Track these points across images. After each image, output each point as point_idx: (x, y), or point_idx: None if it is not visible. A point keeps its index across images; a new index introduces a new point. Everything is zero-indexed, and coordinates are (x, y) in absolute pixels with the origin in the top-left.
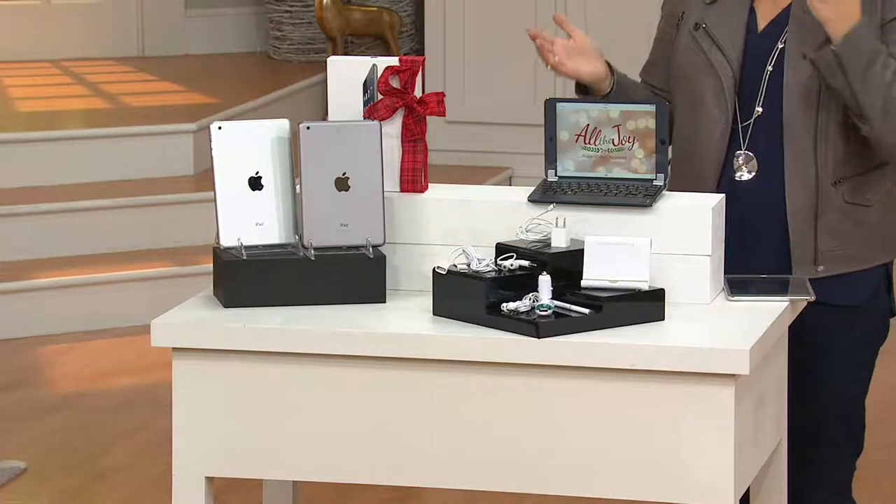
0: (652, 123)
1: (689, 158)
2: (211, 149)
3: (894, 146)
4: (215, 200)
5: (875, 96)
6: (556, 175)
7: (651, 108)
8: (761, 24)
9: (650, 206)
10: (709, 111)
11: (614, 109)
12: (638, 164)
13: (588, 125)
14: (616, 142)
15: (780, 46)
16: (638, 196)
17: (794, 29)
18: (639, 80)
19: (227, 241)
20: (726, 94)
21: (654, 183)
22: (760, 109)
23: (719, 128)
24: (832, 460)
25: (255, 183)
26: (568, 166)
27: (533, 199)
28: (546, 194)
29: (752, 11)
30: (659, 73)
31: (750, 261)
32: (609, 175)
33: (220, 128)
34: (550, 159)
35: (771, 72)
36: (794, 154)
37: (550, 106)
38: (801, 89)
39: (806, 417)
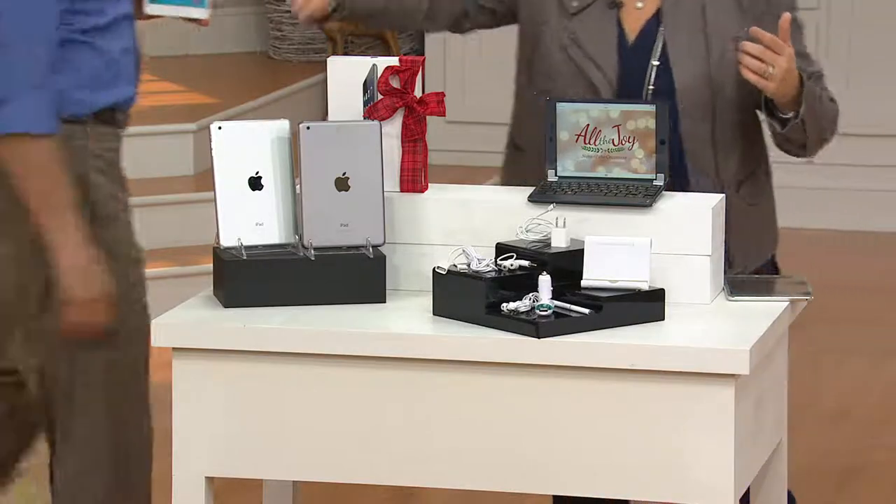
0: (652, 123)
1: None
2: (211, 149)
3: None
4: (215, 200)
5: (821, 133)
6: (556, 175)
7: (651, 108)
8: (630, 36)
9: (650, 206)
10: None
11: (614, 109)
12: (638, 164)
13: (588, 125)
14: (616, 142)
15: (655, 64)
16: (638, 196)
17: (673, 42)
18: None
19: (227, 241)
20: None
21: (654, 183)
22: None
23: None
24: None
25: (255, 183)
26: (568, 166)
27: (533, 199)
28: (546, 194)
29: (619, 23)
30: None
31: None
32: (609, 175)
33: (220, 128)
34: (550, 159)
35: (652, 90)
36: (696, 167)
37: (550, 106)
38: (693, 103)
39: None
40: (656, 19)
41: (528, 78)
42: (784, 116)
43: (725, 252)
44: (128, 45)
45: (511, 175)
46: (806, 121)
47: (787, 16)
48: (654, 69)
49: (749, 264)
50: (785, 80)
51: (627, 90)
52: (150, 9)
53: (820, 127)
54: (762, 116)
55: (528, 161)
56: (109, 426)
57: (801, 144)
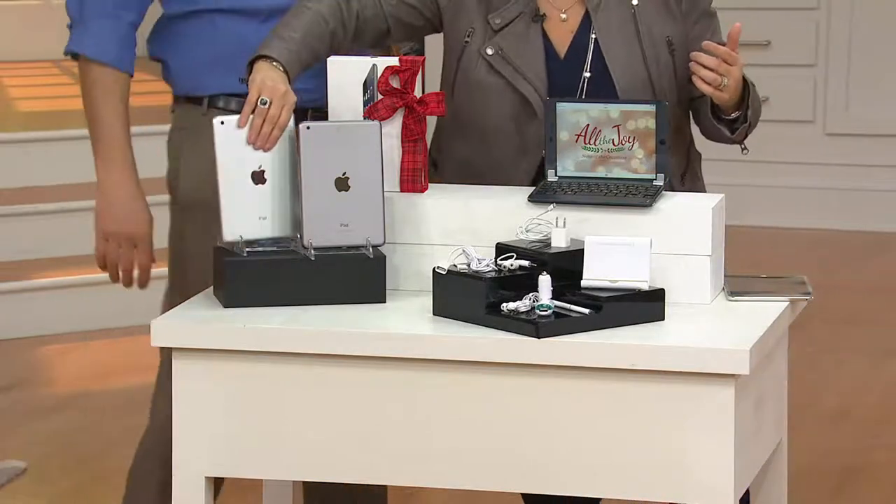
0: (652, 123)
1: (481, 178)
2: (213, 144)
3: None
4: (219, 195)
5: (755, 125)
6: (556, 175)
7: (651, 108)
8: (560, 50)
9: (650, 206)
10: (507, 137)
11: (614, 109)
12: (638, 164)
13: (588, 125)
14: (616, 142)
15: (587, 76)
16: (638, 196)
17: (611, 53)
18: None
19: (229, 235)
20: (542, 120)
21: (654, 183)
22: None
23: (525, 157)
24: None
25: (259, 177)
26: (568, 166)
27: (533, 199)
28: (546, 194)
29: (545, 35)
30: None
31: None
32: (609, 175)
33: (222, 122)
34: (550, 159)
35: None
36: None
37: (550, 106)
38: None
39: None
40: (585, 30)
41: (450, 93)
42: (728, 118)
43: None
44: None
45: None
46: (752, 123)
47: (737, 26)
48: (585, 81)
49: None
50: (736, 88)
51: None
52: None
53: (756, 122)
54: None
55: (442, 178)
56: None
57: (740, 140)
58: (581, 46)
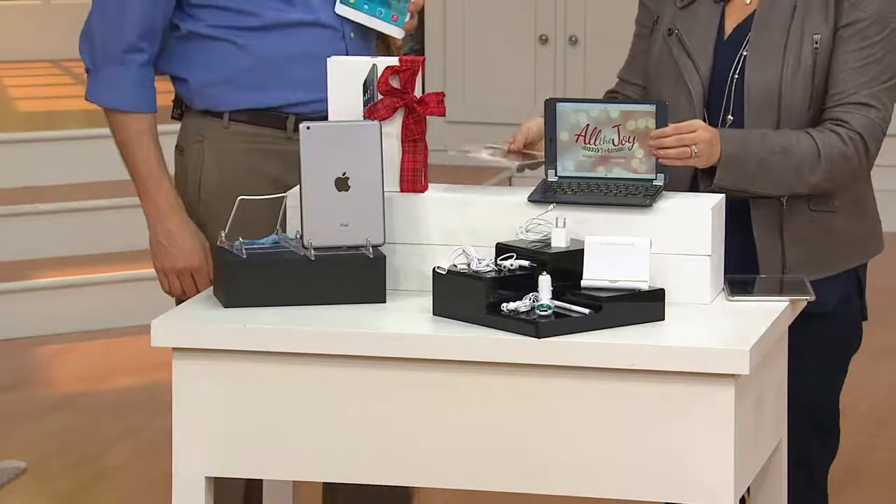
0: (652, 123)
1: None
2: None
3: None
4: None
5: (798, 184)
6: (556, 175)
7: (651, 108)
8: (728, 29)
9: (650, 206)
10: (683, 118)
11: (614, 109)
12: (638, 164)
13: (588, 125)
14: (616, 142)
15: (745, 54)
16: (638, 196)
17: (756, 36)
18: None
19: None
20: (695, 102)
21: (654, 183)
22: (732, 118)
23: None
24: (801, 461)
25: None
26: (568, 166)
27: (533, 199)
28: (546, 194)
29: (723, 16)
30: (638, 69)
31: None
32: (609, 175)
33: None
34: (550, 159)
35: (737, 79)
36: None
37: (550, 106)
38: (760, 97)
39: None
40: (755, 14)
41: (642, 75)
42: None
43: (781, 256)
44: (299, 52)
45: None
46: (737, 187)
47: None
48: (743, 59)
49: (807, 273)
50: (712, 150)
51: (716, 79)
52: (339, 9)
53: (768, 184)
54: None
55: None
56: None
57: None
58: (745, 28)
